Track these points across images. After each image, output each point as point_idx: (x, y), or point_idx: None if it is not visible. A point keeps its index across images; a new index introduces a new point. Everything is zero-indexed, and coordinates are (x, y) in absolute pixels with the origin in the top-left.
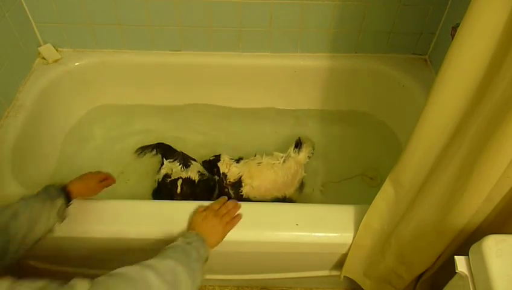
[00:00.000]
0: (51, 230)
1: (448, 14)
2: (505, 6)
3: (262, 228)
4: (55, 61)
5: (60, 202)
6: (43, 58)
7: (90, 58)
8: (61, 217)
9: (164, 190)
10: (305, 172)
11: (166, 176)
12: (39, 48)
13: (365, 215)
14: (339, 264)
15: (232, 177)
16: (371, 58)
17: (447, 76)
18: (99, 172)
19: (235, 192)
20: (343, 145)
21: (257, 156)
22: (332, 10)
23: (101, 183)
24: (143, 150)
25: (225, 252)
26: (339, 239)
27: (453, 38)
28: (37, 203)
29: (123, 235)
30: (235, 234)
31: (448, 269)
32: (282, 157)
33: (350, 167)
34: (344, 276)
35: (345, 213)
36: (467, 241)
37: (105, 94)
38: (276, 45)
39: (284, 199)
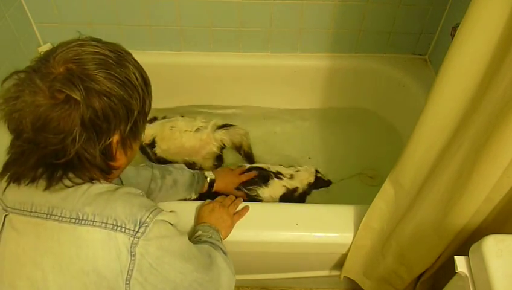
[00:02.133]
0: None
1: (448, 14)
2: (505, 6)
3: (262, 228)
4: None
5: (194, 196)
6: None
7: None
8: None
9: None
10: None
11: (287, 194)
12: (39, 48)
13: (365, 216)
14: (339, 265)
15: (146, 138)
16: (371, 58)
17: (447, 76)
18: (242, 175)
19: (152, 152)
20: (343, 145)
21: (173, 118)
22: (332, 10)
23: (236, 191)
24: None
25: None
26: (339, 239)
27: (453, 38)
28: (186, 186)
29: None
30: (235, 234)
31: (448, 269)
32: (197, 125)
33: (350, 166)
34: (344, 276)
35: (344, 213)
36: (467, 241)
37: None
38: (276, 45)
39: (192, 165)
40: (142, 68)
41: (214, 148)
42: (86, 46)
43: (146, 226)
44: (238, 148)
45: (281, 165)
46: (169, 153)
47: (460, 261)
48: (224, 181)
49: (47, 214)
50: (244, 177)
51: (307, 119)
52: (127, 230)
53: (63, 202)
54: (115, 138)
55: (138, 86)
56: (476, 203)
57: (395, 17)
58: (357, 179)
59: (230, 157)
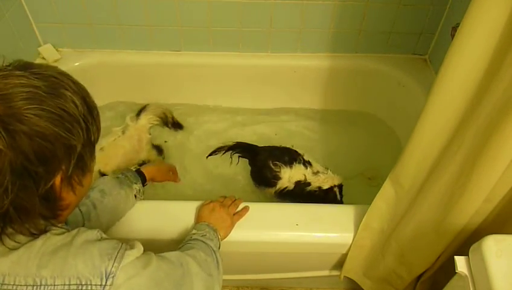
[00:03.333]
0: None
1: (448, 14)
2: (505, 6)
3: (262, 228)
4: (55, 61)
5: (137, 186)
6: (43, 58)
7: (90, 58)
8: (138, 199)
9: (314, 199)
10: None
11: (300, 183)
12: (39, 48)
13: (365, 216)
14: (339, 265)
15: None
16: (371, 58)
17: (447, 76)
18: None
19: None
20: (343, 145)
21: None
22: (332, 10)
23: (170, 173)
24: (215, 152)
25: (225, 252)
26: (339, 239)
27: (453, 38)
28: (117, 185)
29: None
30: (235, 234)
31: (448, 269)
32: (120, 129)
33: (350, 166)
34: (344, 276)
35: (344, 213)
36: (467, 241)
37: (105, 94)
38: (276, 45)
39: (143, 163)
40: (85, 90)
41: (147, 134)
42: (10, 77)
43: (113, 277)
44: (165, 121)
45: (317, 163)
46: (120, 169)
47: (460, 261)
48: (154, 168)
49: None
50: (175, 177)
51: (307, 120)
52: (93, 287)
53: (15, 266)
54: (57, 179)
55: (79, 116)
56: (475, 204)
57: (395, 17)
58: (357, 179)
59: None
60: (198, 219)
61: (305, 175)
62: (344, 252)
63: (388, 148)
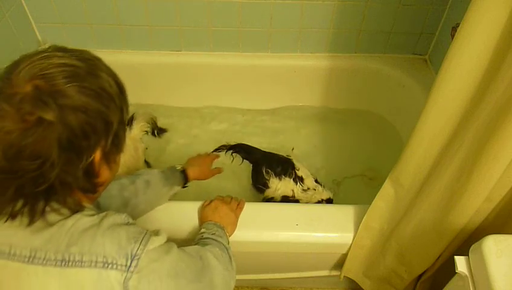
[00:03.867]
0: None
1: (448, 14)
2: (505, 6)
3: (262, 228)
4: None
5: (177, 188)
6: None
7: None
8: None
9: None
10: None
11: (287, 198)
12: (39, 48)
13: (365, 216)
14: (339, 265)
15: None
16: (371, 58)
17: (447, 76)
18: (210, 155)
19: None
20: (343, 145)
21: None
22: (332, 10)
23: (212, 170)
24: (218, 149)
25: None
26: (339, 239)
27: (453, 38)
28: (162, 181)
29: None
30: (235, 234)
31: (448, 269)
32: None
33: (350, 166)
34: (344, 276)
35: (344, 213)
36: (467, 241)
37: None
38: (276, 45)
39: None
40: (115, 74)
41: (141, 144)
42: (52, 58)
43: (138, 259)
44: (154, 127)
45: (312, 175)
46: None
47: (460, 261)
48: (194, 170)
49: (29, 258)
50: (216, 171)
51: (307, 119)
52: (118, 266)
53: (47, 243)
54: (97, 154)
55: (114, 95)
56: (476, 203)
57: (395, 17)
58: (357, 179)
59: None
60: (203, 219)
61: (293, 191)
62: (344, 252)
63: (389, 147)
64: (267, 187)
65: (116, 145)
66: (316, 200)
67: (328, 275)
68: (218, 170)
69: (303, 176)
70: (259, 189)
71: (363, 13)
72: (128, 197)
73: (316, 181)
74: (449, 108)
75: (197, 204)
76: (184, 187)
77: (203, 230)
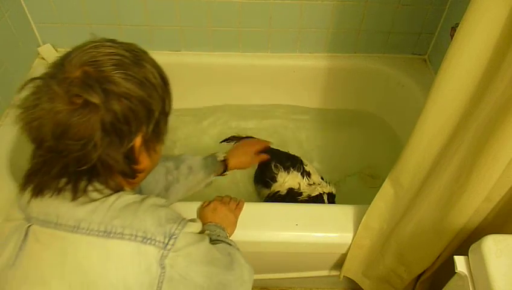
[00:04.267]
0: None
1: (447, 14)
2: (504, 6)
3: (262, 228)
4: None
5: (213, 177)
6: (43, 58)
7: None
8: (205, 187)
9: None
10: None
11: (292, 190)
12: (38, 48)
13: (365, 216)
14: (339, 264)
15: None
16: (370, 58)
17: (447, 76)
18: (258, 141)
19: None
20: (342, 145)
21: None
22: (331, 10)
23: (256, 157)
24: (228, 139)
25: None
26: (339, 239)
27: (452, 38)
28: (203, 169)
29: None
30: (234, 234)
31: (447, 269)
32: None
33: (349, 166)
34: (344, 276)
35: (344, 213)
36: (467, 241)
37: None
38: (275, 45)
39: None
40: (160, 67)
41: None
42: (101, 47)
43: (175, 238)
44: None
45: (317, 173)
46: None
47: (459, 261)
48: (239, 158)
49: (74, 227)
50: (260, 158)
51: (306, 119)
52: (157, 243)
53: (91, 214)
54: (138, 140)
55: (157, 86)
56: (475, 203)
57: (394, 17)
58: (356, 179)
59: None
60: (202, 220)
61: (299, 184)
62: (343, 252)
63: (388, 147)
64: (275, 181)
65: (157, 134)
66: (318, 193)
67: (328, 275)
68: (262, 157)
69: (310, 171)
70: (265, 183)
71: (362, 13)
72: (171, 181)
73: (322, 179)
74: (448, 108)
75: (196, 205)
76: (222, 175)
77: (207, 232)
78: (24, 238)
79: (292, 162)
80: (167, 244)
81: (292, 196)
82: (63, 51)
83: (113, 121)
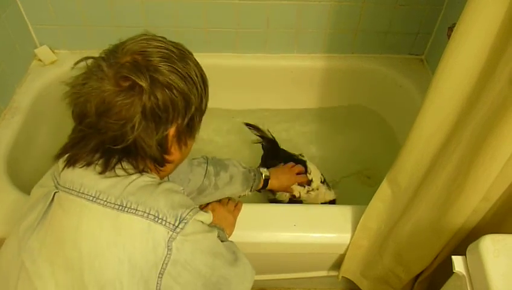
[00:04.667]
0: None
1: (444, 14)
2: (501, 6)
3: (260, 228)
4: (52, 63)
5: (248, 192)
6: (40, 60)
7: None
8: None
9: None
10: None
11: (294, 197)
12: (35, 50)
13: (363, 216)
14: (337, 265)
15: None
16: (368, 59)
17: (444, 76)
18: (299, 167)
19: None
20: (340, 146)
21: None
22: (329, 11)
23: (291, 181)
24: (253, 127)
25: None
26: (337, 240)
27: (449, 38)
28: (241, 181)
29: None
30: (233, 235)
31: (445, 269)
32: None
33: (348, 167)
34: (342, 276)
35: (342, 213)
36: (464, 241)
37: None
38: (272, 46)
39: None
40: (202, 69)
41: None
42: (152, 40)
43: (185, 223)
44: None
45: (319, 176)
46: None
47: (457, 261)
48: (279, 180)
49: (93, 197)
50: (300, 178)
51: (304, 120)
52: (167, 223)
53: (111, 188)
54: (172, 130)
55: (197, 83)
56: (473, 203)
57: (391, 18)
58: (354, 179)
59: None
60: None
61: (300, 193)
62: (342, 252)
63: (386, 147)
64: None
65: (190, 128)
66: (320, 202)
67: (326, 275)
68: (302, 179)
69: (312, 179)
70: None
71: (359, 14)
72: (206, 185)
73: (323, 182)
74: (446, 107)
75: None
76: (259, 191)
77: None
78: (50, 203)
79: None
80: (177, 227)
81: (292, 202)
82: (60, 52)
83: (153, 107)
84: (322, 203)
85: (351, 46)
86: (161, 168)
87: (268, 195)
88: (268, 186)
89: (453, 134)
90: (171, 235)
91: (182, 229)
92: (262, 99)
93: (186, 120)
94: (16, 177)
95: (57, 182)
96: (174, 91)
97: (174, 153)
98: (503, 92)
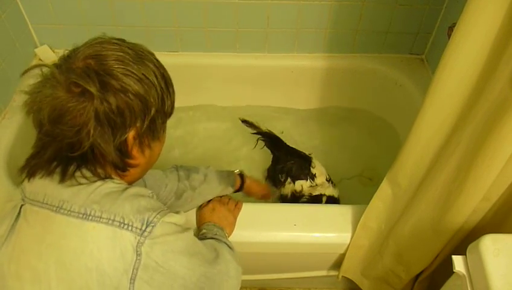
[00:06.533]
0: None
1: (444, 14)
2: (501, 6)
3: (260, 228)
4: (52, 62)
5: (231, 190)
6: (40, 59)
7: None
8: None
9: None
10: None
11: (295, 192)
12: (36, 50)
13: (363, 215)
14: (337, 264)
15: None
16: (368, 58)
17: (444, 76)
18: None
19: None
20: (340, 145)
21: None
22: (329, 10)
23: (266, 193)
24: (249, 124)
25: None
26: (337, 239)
27: (449, 38)
28: (218, 179)
29: None
30: (233, 235)
31: (445, 269)
32: None
33: (348, 166)
34: (342, 276)
35: (342, 213)
36: (465, 240)
37: None
38: (273, 46)
39: None
40: (165, 69)
41: None
42: (106, 44)
43: (153, 226)
44: None
45: (326, 174)
46: None
47: (457, 261)
48: (256, 182)
49: (57, 207)
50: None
51: (304, 119)
52: (133, 229)
53: (74, 197)
54: (131, 134)
55: (157, 85)
56: (473, 203)
57: (391, 17)
58: (354, 178)
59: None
60: (201, 220)
61: (302, 186)
62: (342, 252)
63: (386, 147)
64: (282, 186)
65: (152, 131)
66: (318, 193)
67: (326, 275)
68: (268, 196)
69: (316, 174)
70: (274, 184)
71: (359, 13)
72: (182, 189)
73: (328, 180)
74: (446, 107)
75: None
76: (237, 191)
77: (204, 231)
78: (17, 216)
79: (299, 167)
80: (144, 231)
81: (294, 198)
82: (60, 52)
83: (106, 112)
84: (319, 195)
85: (351, 45)
86: (124, 173)
87: (272, 188)
88: (247, 185)
89: (453, 134)
90: (138, 240)
91: (150, 232)
92: (262, 99)
93: (146, 123)
94: (16, 177)
95: (24, 194)
96: (129, 94)
97: (138, 157)
98: (504, 92)
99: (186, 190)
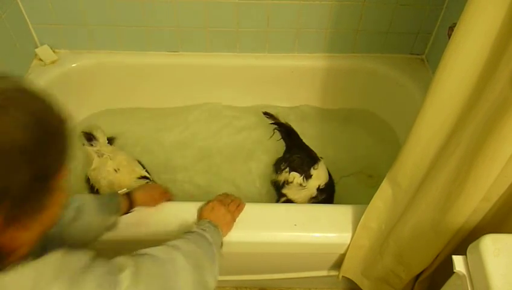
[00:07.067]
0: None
1: (444, 14)
2: (501, 6)
3: (260, 228)
4: (52, 62)
5: (114, 218)
6: (40, 59)
7: (87, 59)
8: (110, 230)
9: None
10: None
11: (287, 182)
12: (36, 50)
13: (363, 216)
14: (337, 265)
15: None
16: (368, 58)
17: (444, 76)
18: (160, 185)
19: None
20: (341, 145)
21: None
22: (329, 10)
23: (163, 194)
24: (269, 116)
25: (223, 253)
26: (337, 239)
27: (449, 38)
28: (96, 209)
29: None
30: (233, 235)
31: (446, 269)
32: (96, 161)
33: (348, 166)
34: (342, 276)
35: (343, 213)
36: (465, 240)
37: (102, 95)
38: (273, 46)
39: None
40: (45, 110)
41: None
42: None
43: None
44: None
45: (323, 178)
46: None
47: (458, 261)
48: (147, 193)
49: None
50: (168, 196)
51: (305, 119)
52: None
53: None
54: None
55: (15, 152)
56: (473, 203)
57: (392, 17)
58: (355, 179)
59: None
60: (199, 217)
61: (294, 178)
62: (342, 252)
63: (387, 147)
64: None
65: (31, 207)
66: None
67: (327, 275)
68: (169, 196)
69: (313, 176)
70: (277, 168)
71: (360, 13)
72: (59, 231)
73: (320, 189)
74: (446, 108)
75: (197, 205)
76: (128, 213)
77: (194, 226)
78: None
79: (305, 161)
80: None
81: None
82: (60, 52)
83: None
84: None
85: (351, 45)
86: (7, 259)
87: (271, 175)
88: (137, 203)
89: (453, 134)
90: None
91: None
92: (262, 99)
93: (7, 205)
94: None
95: None
96: None
97: (17, 238)
98: (504, 93)
99: (62, 230)
